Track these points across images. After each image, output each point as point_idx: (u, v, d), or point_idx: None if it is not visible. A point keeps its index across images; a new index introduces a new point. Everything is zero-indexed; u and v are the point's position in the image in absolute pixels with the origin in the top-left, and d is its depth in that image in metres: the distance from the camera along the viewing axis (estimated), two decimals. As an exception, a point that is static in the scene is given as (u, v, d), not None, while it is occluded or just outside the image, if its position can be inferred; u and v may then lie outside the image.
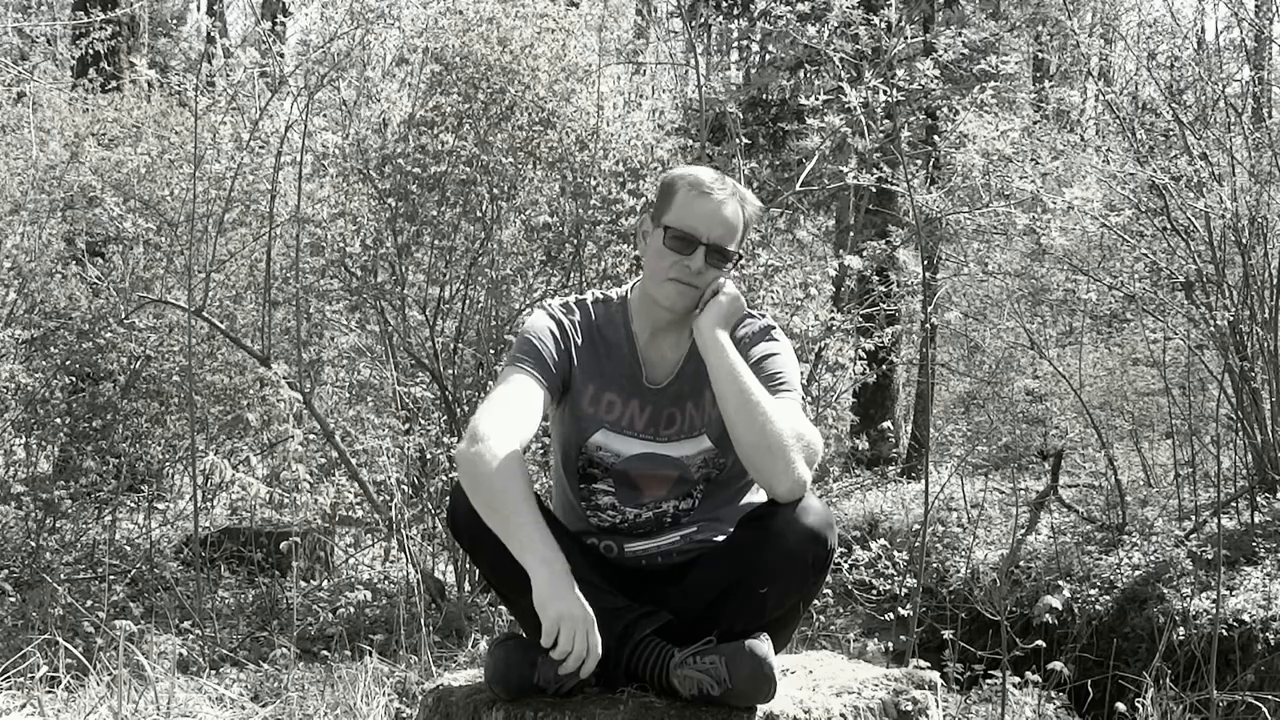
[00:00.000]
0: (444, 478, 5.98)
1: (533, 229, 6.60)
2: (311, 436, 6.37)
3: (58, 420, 7.04)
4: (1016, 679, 5.84)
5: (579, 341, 2.52)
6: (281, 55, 6.64)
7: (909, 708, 2.36)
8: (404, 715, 4.26)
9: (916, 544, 7.42)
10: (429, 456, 6.13)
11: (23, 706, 4.08)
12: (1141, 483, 10.13)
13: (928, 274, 7.52)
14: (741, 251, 2.54)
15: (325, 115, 6.72)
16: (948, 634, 6.01)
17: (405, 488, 6.14)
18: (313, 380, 6.71)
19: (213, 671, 4.85)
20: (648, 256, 2.51)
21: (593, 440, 2.51)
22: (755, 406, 2.32)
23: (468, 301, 6.66)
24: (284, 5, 10.69)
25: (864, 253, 6.91)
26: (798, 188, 7.07)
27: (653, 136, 6.92)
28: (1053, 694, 6.13)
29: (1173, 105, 8.80)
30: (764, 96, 12.51)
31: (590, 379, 2.52)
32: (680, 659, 2.28)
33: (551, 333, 2.50)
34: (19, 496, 6.66)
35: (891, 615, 6.35)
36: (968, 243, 10.18)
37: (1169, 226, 8.44)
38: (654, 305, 2.50)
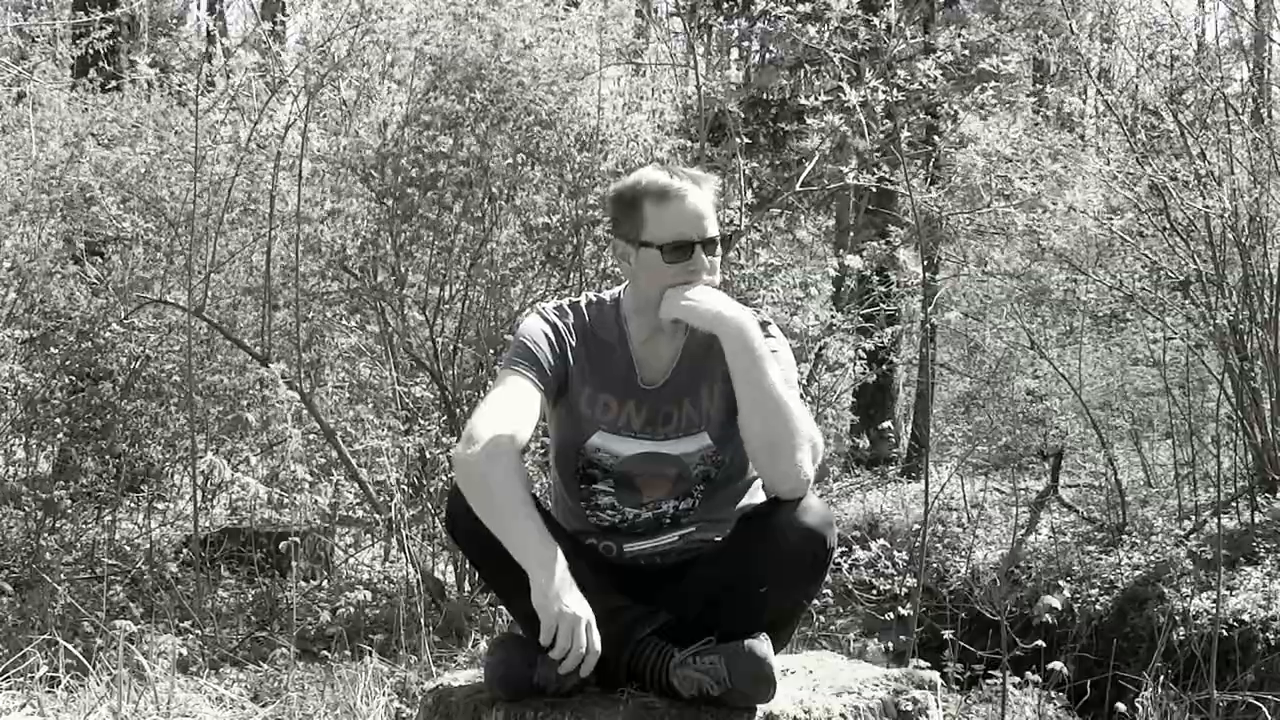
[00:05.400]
0: (444, 478, 5.98)
1: (532, 229, 6.59)
2: (312, 437, 6.37)
3: (57, 420, 7.04)
4: (1016, 679, 5.84)
5: (573, 344, 2.52)
6: (279, 56, 6.63)
7: (909, 708, 2.36)
8: (404, 715, 4.26)
9: (916, 544, 7.43)
10: (429, 456, 6.13)
11: (23, 706, 4.08)
12: (1141, 483, 10.13)
13: (928, 274, 7.52)
14: (721, 229, 2.52)
15: (325, 115, 6.71)
16: (948, 634, 6.01)
17: (405, 488, 6.13)
18: (313, 380, 6.71)
19: (213, 671, 4.84)
20: (642, 275, 2.47)
21: (591, 443, 2.51)
22: (777, 403, 2.33)
23: (467, 301, 6.66)
24: (283, 5, 10.68)
25: (864, 253, 6.91)
26: (798, 188, 7.08)
27: (652, 137, 6.91)
28: (1053, 694, 6.13)
29: (1172, 106, 8.80)
30: (764, 96, 12.51)
31: (586, 381, 2.52)
32: (680, 659, 2.29)
33: (546, 335, 2.50)
34: (19, 496, 6.65)
35: (891, 615, 6.35)
36: (967, 242, 10.19)
37: (1169, 226, 8.44)
38: (655, 308, 2.48)
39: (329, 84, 6.32)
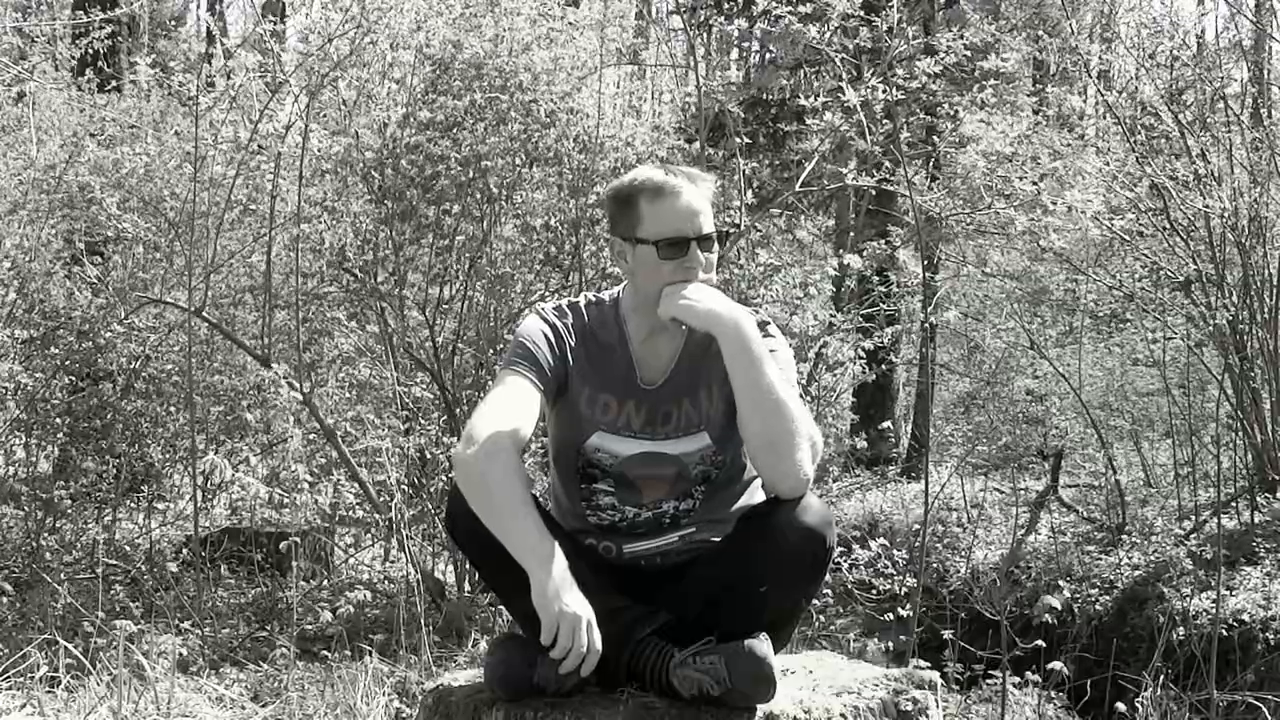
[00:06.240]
0: (444, 478, 5.98)
1: (531, 229, 6.59)
2: (312, 437, 6.37)
3: (57, 420, 7.03)
4: (1016, 679, 5.84)
5: (573, 344, 2.52)
6: (279, 56, 6.63)
7: (909, 708, 2.36)
8: (404, 715, 4.26)
9: (916, 544, 7.43)
10: (429, 456, 6.13)
11: (23, 706, 4.08)
12: (1141, 483, 10.13)
13: (928, 274, 7.52)
14: (718, 227, 2.51)
15: (325, 115, 6.71)
16: (948, 634, 6.01)
17: (405, 488, 6.13)
18: (313, 381, 6.71)
19: (213, 671, 4.85)
20: (639, 273, 2.48)
21: (590, 443, 2.51)
22: (776, 402, 2.33)
23: (467, 301, 6.66)
24: (282, 5, 10.68)
25: (864, 253, 6.91)
26: (798, 188, 7.07)
27: (651, 137, 6.91)
28: (1053, 694, 6.13)
29: (1172, 107, 8.80)
30: (764, 96, 12.51)
31: (586, 381, 2.52)
32: (680, 659, 2.29)
33: (545, 336, 2.50)
34: (19, 496, 6.64)
35: (891, 615, 6.35)
36: (967, 242, 10.20)
37: (1169, 226, 8.45)
38: (653, 306, 2.49)
39: (329, 84, 6.32)
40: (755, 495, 2.56)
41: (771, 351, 2.43)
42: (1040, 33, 11.00)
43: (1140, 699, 5.42)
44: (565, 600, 2.18)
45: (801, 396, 2.68)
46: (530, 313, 2.59)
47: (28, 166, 7.21)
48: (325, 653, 4.97)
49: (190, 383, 6.47)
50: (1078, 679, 6.20)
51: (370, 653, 4.74)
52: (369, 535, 7.27)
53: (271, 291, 6.44)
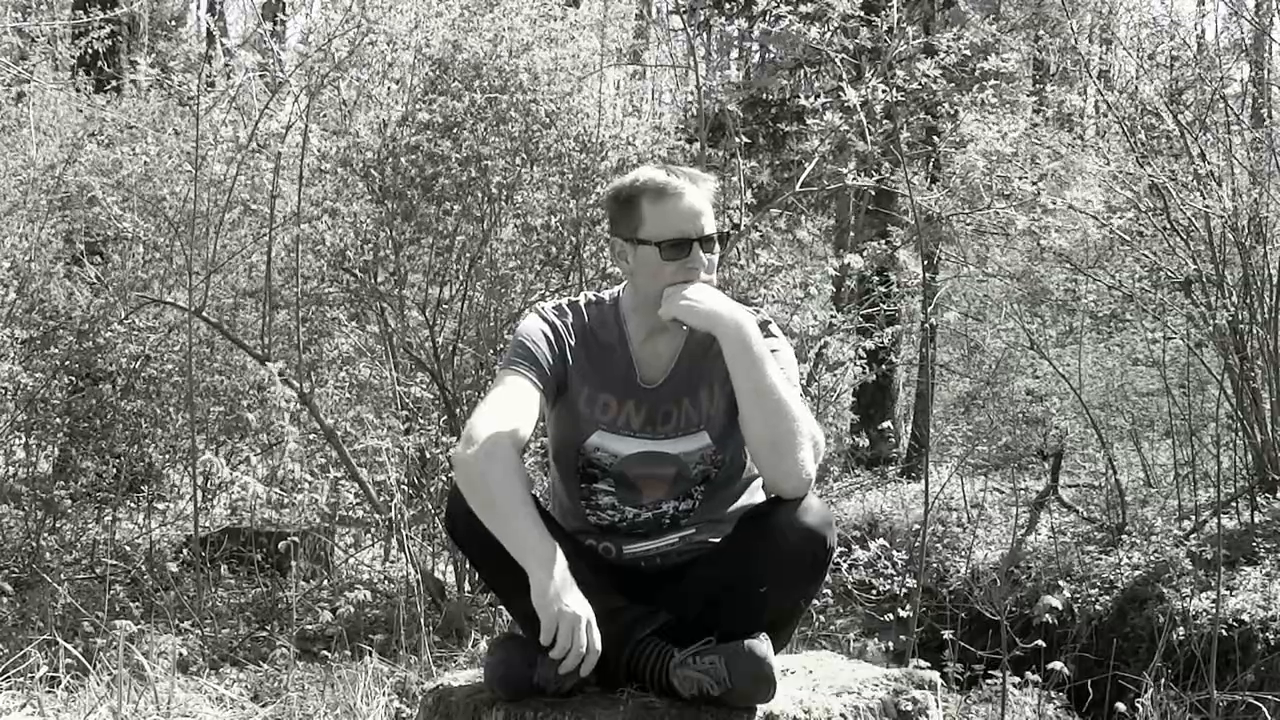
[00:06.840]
0: (444, 478, 5.98)
1: (531, 229, 6.59)
2: (312, 437, 6.37)
3: (57, 420, 7.04)
4: (1016, 679, 5.85)
5: (572, 343, 2.52)
6: (279, 56, 6.63)
7: (909, 708, 2.36)
8: (404, 715, 4.26)
9: (916, 544, 7.43)
10: (429, 456, 6.13)
11: (23, 706, 4.09)
12: (1141, 483, 10.14)
13: (928, 274, 7.52)
14: (720, 229, 2.51)
15: (325, 115, 6.71)
16: (948, 634, 6.02)
17: (405, 488, 6.13)
18: (313, 381, 6.71)
19: (213, 671, 4.85)
20: (640, 274, 2.47)
21: (590, 442, 2.51)
22: (777, 402, 2.33)
23: (467, 301, 6.66)
24: (282, 5, 10.68)
25: (864, 253, 6.92)
26: (798, 188, 7.08)
27: (651, 137, 6.91)
28: (1053, 694, 6.13)
29: (1172, 107, 8.80)
30: (764, 96, 12.51)
31: (585, 381, 2.51)
32: (680, 659, 2.28)
33: (545, 335, 2.50)
34: (19, 496, 6.64)
35: (891, 615, 6.35)
36: (967, 243, 10.20)
37: (1169, 226, 8.45)
38: (653, 307, 2.49)
39: (329, 84, 6.31)
40: (755, 495, 2.56)
41: (773, 351, 2.43)
42: (1040, 33, 11.00)
43: (1140, 699, 5.43)
44: (565, 600, 2.18)
45: (802, 396, 2.68)
46: (530, 312, 2.59)
47: (27, 166, 7.21)
48: (325, 653, 4.97)
49: (190, 383, 6.47)
50: (1078, 679, 6.21)
51: (370, 653, 4.74)
52: (369, 535, 7.27)
53: (272, 291, 6.44)
